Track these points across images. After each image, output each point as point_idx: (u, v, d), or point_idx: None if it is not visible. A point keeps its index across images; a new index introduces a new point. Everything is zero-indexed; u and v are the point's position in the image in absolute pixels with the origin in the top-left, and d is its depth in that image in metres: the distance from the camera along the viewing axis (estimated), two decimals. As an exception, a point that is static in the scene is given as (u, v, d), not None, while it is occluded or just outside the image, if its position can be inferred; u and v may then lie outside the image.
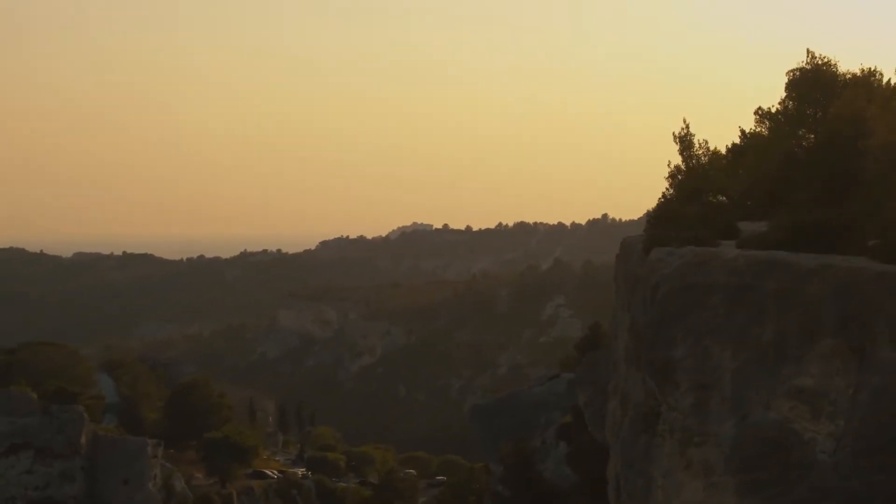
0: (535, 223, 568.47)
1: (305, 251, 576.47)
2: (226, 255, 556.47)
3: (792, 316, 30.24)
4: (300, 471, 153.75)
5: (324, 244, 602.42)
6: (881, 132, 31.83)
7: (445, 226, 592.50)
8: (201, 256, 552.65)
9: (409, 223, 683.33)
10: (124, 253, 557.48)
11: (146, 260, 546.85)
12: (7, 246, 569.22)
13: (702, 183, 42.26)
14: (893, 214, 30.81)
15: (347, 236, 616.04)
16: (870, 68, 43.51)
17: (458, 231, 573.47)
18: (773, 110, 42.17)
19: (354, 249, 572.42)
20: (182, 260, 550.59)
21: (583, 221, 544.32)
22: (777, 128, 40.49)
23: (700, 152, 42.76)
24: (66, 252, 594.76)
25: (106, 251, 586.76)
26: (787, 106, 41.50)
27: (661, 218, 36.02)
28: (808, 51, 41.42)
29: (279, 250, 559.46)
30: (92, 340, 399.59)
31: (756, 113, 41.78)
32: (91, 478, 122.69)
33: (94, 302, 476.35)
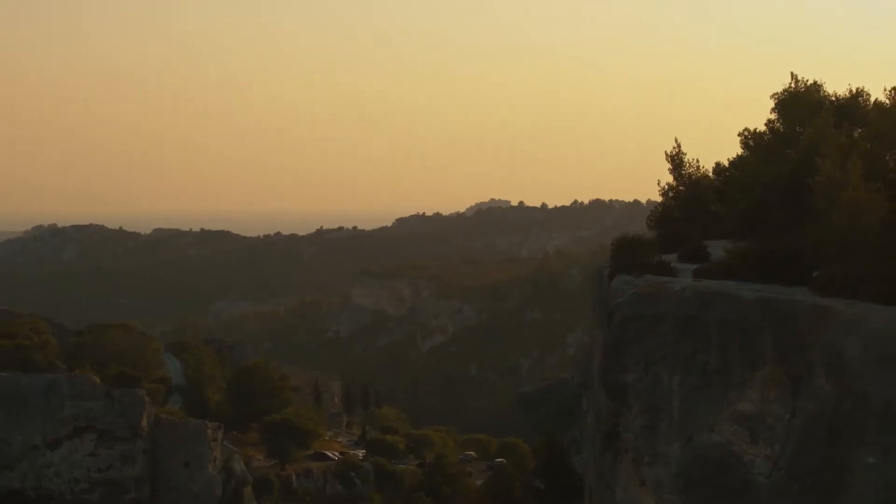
0: (611, 200, 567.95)
1: (381, 228, 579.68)
2: (302, 231, 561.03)
3: (735, 345, 32.08)
4: (360, 452, 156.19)
5: (400, 221, 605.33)
6: (827, 169, 33.33)
7: (521, 203, 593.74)
8: (278, 233, 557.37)
9: (486, 199, 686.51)
10: (202, 230, 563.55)
11: (224, 237, 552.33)
12: (87, 223, 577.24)
13: (692, 201, 43.92)
14: (831, 249, 32.40)
15: (423, 213, 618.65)
16: (857, 88, 45.01)
17: (534, 208, 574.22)
18: (760, 130, 43.78)
19: (430, 226, 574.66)
20: (259, 237, 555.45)
21: (660, 198, 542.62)
22: (759, 151, 42.01)
23: (691, 170, 44.42)
24: (146, 228, 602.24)
25: (185, 227, 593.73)
26: (772, 128, 43.07)
27: (624, 246, 37.81)
28: (792, 74, 42.96)
29: (355, 227, 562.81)
30: (169, 317, 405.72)
31: (740, 135, 43.36)
32: (152, 460, 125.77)
33: (172, 278, 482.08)
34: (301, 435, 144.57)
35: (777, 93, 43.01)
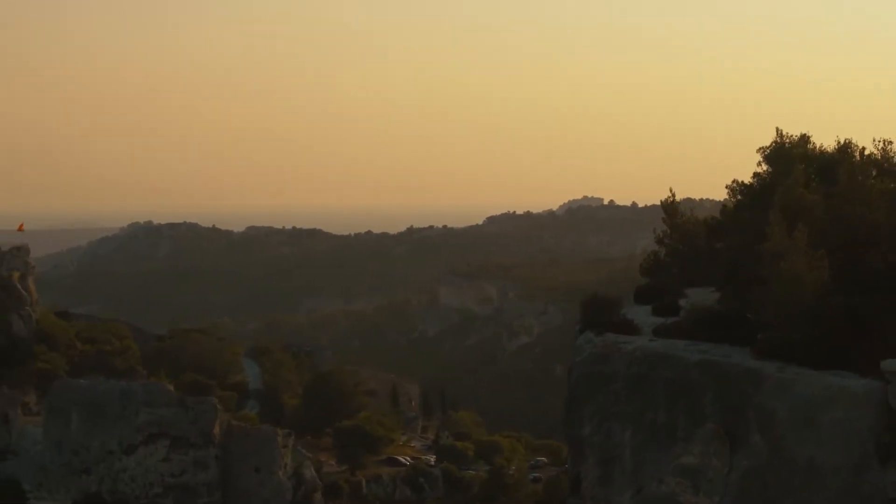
0: (701, 199, 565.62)
1: (471, 227, 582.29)
2: (393, 229, 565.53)
3: (680, 403, 34.65)
4: (432, 457, 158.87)
5: (490, 220, 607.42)
6: (774, 236, 35.60)
7: (611, 201, 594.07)
8: (369, 232, 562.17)
9: (579, 196, 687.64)
10: (294, 228, 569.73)
11: (315, 235, 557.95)
12: (181, 221, 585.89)
13: (686, 249, 46.27)
14: (770, 315, 34.76)
15: (514, 211, 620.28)
16: (846, 140, 47.04)
17: (624, 207, 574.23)
18: (748, 182, 46.01)
19: (520, 225, 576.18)
20: (350, 235, 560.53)
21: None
22: (745, 203, 44.25)
23: (683, 220, 46.76)
24: (239, 226, 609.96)
25: (277, 225, 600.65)
26: (759, 180, 45.29)
27: (591, 304, 40.33)
28: (777, 129, 45.17)
29: (445, 226, 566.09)
30: (260, 315, 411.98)
31: (727, 187, 45.65)
32: (224, 465, 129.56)
33: (263, 276, 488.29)
34: (372, 441, 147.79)
35: (763, 147, 45.19)
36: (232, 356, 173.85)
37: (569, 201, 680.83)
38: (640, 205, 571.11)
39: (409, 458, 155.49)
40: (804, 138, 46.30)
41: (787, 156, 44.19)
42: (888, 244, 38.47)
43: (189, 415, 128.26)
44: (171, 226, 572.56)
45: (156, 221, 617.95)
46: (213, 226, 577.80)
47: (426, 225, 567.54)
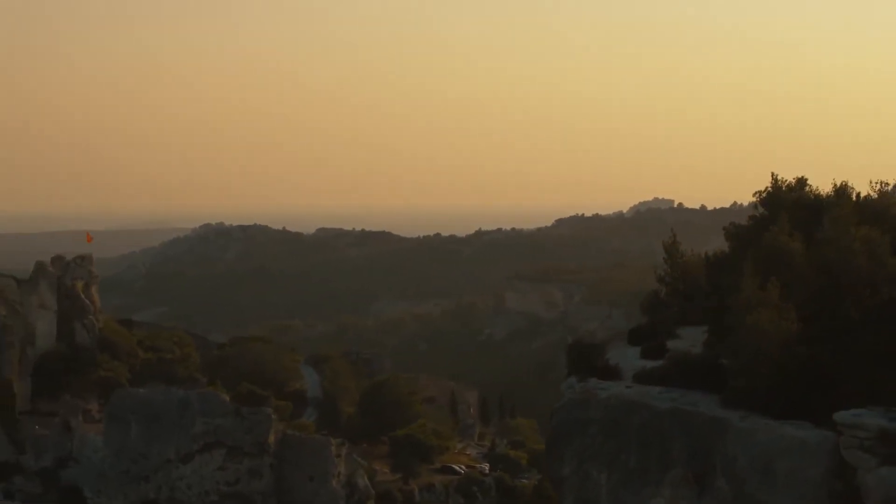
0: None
1: (539, 229, 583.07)
2: (461, 231, 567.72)
3: (651, 448, 36.76)
4: (486, 466, 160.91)
5: (559, 222, 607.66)
6: (748, 288, 37.54)
7: (680, 204, 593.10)
8: (437, 234, 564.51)
9: (650, 198, 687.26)
10: (363, 230, 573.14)
11: (383, 237, 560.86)
12: (252, 223, 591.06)
13: (686, 287, 48.26)
14: (737, 365, 36.73)
15: (583, 214, 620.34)
16: (843, 183, 48.80)
17: (692, 210, 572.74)
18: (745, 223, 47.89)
19: (588, 227, 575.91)
20: (419, 237, 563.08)
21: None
22: (738, 247, 46.15)
23: (683, 260, 48.72)
24: (309, 227, 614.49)
25: (347, 226, 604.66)
26: (755, 223, 47.17)
27: (575, 350, 42.48)
28: (772, 174, 47.05)
29: (513, 228, 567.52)
30: (329, 317, 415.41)
31: (724, 229, 47.54)
32: (278, 474, 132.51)
33: (332, 278, 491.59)
34: (425, 450, 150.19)
35: (760, 191, 47.06)
36: (291, 364, 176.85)
37: (639, 203, 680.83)
38: (710, 207, 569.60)
39: (463, 467, 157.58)
40: (801, 181, 48.07)
41: (781, 201, 45.98)
42: (869, 291, 40.20)
43: (244, 424, 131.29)
44: (242, 228, 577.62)
45: (227, 223, 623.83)
46: (284, 227, 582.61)
47: (495, 227, 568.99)
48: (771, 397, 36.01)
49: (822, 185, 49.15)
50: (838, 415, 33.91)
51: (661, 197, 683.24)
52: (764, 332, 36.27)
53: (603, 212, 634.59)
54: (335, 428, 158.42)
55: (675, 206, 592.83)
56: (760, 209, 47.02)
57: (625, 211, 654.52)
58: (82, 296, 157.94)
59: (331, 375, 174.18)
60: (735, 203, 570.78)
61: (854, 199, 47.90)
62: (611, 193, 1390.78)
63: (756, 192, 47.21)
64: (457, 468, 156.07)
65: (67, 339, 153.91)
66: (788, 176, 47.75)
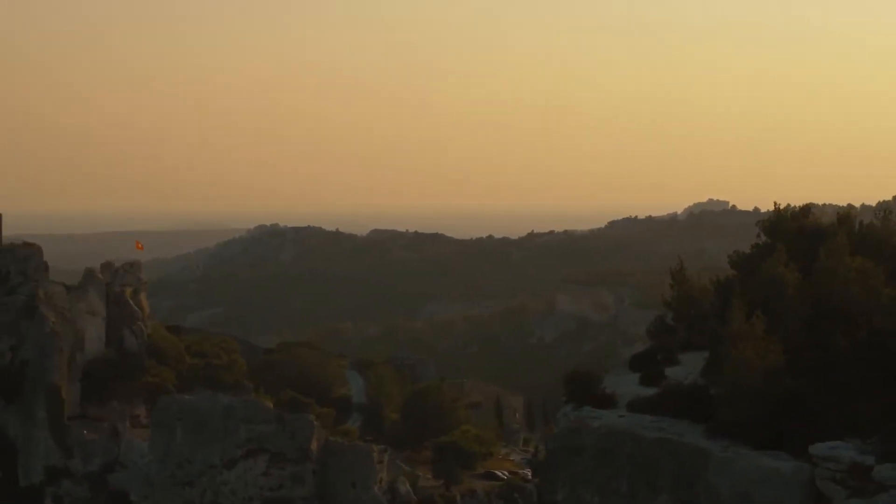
0: (824, 204, 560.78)
1: (592, 231, 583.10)
2: (514, 233, 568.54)
3: (640, 475, 38.32)
4: (529, 472, 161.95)
5: (612, 224, 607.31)
6: (735, 321, 38.95)
7: (733, 206, 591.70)
8: (490, 236, 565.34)
9: (704, 199, 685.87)
10: (416, 232, 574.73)
11: (436, 239, 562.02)
12: (305, 224, 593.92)
13: (692, 311, 49.66)
14: (723, 396, 38.17)
15: (636, 216, 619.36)
16: (846, 212, 50.02)
17: (745, 212, 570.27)
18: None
19: (641, 229, 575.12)
20: (471, 239, 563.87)
21: (872, 202, 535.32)
22: (741, 274, 47.50)
23: (689, 285, 50.13)
24: (363, 228, 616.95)
25: (400, 227, 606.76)
26: (758, 250, 48.50)
27: (573, 379, 44.01)
28: (775, 203, 48.36)
29: (566, 231, 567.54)
30: (381, 320, 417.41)
31: (729, 256, 48.94)
32: (321, 480, 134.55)
33: (385, 280, 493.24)
34: (467, 456, 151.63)
35: (763, 220, 48.35)
36: (337, 370, 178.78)
37: (693, 204, 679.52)
38: (763, 209, 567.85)
39: (506, 473, 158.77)
40: (805, 209, 49.35)
41: (783, 229, 47.30)
42: (861, 321, 41.49)
43: (287, 431, 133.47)
44: (296, 229, 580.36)
45: (282, 224, 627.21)
46: (337, 229, 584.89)
47: (547, 229, 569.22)
48: (754, 428, 37.45)
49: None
50: (814, 447, 35.32)
51: (715, 198, 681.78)
52: (748, 365, 37.68)
53: (657, 213, 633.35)
54: (379, 434, 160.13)
55: (729, 208, 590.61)
56: (764, 237, 48.31)
57: (679, 212, 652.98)
58: (131, 302, 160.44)
59: (375, 381, 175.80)
60: (788, 206, 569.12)
61: (857, 226, 49.05)
62: (666, 194, 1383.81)
63: (759, 221, 48.50)
64: (499, 474, 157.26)
65: (116, 345, 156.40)
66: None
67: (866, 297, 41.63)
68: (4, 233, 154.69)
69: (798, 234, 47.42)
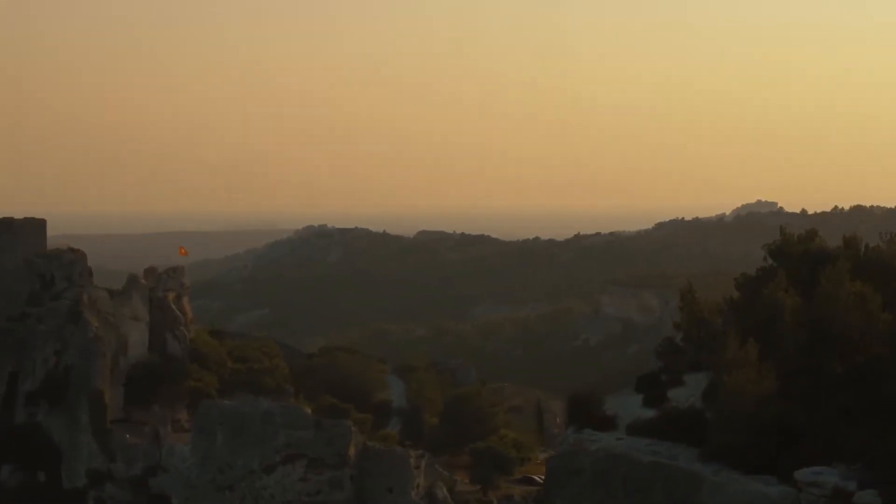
0: (872, 206, 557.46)
1: (639, 233, 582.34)
2: (561, 234, 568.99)
3: (635, 496, 39.68)
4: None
5: (659, 226, 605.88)
6: (731, 347, 40.18)
7: (780, 208, 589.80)
8: (536, 238, 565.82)
9: (753, 200, 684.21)
10: (462, 234, 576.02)
11: (483, 241, 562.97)
12: (353, 226, 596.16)
13: (701, 332, 50.88)
14: (716, 421, 39.43)
15: (683, 217, 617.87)
16: (853, 235, 51.08)
17: (792, 213, 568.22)
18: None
19: (688, 231, 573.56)
20: (518, 241, 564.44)
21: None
22: (746, 297, 48.69)
23: (698, 306, 51.34)
24: (410, 229, 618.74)
25: (448, 228, 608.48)
26: (763, 274, 49.66)
27: (575, 402, 45.39)
28: (781, 228, 49.51)
29: (612, 232, 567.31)
30: (427, 321, 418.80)
31: (736, 279, 50.12)
32: (358, 485, 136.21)
33: (432, 282, 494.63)
34: (505, 461, 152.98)
35: (769, 244, 49.54)
36: (378, 374, 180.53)
37: (741, 206, 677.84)
38: (810, 212, 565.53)
39: (543, 478, 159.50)
40: (811, 233, 50.44)
41: (788, 253, 48.45)
42: (857, 346, 42.63)
43: (325, 437, 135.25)
44: (343, 231, 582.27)
45: (330, 225, 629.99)
46: (384, 231, 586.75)
47: (594, 231, 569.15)
48: (745, 453, 38.68)
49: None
50: (799, 472, 36.52)
51: (763, 199, 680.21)
52: (740, 392, 38.91)
53: (705, 214, 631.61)
54: (419, 438, 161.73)
55: (776, 210, 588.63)
56: (770, 261, 49.43)
57: (727, 213, 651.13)
58: (174, 307, 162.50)
59: (416, 386, 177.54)
60: (836, 207, 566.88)
61: (864, 249, 50.05)
62: (715, 194, 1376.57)
63: (764, 245, 49.63)
64: (537, 479, 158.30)
65: (159, 350, 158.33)
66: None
67: (865, 322, 42.66)
68: (57, 233, 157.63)
69: (803, 257, 48.49)
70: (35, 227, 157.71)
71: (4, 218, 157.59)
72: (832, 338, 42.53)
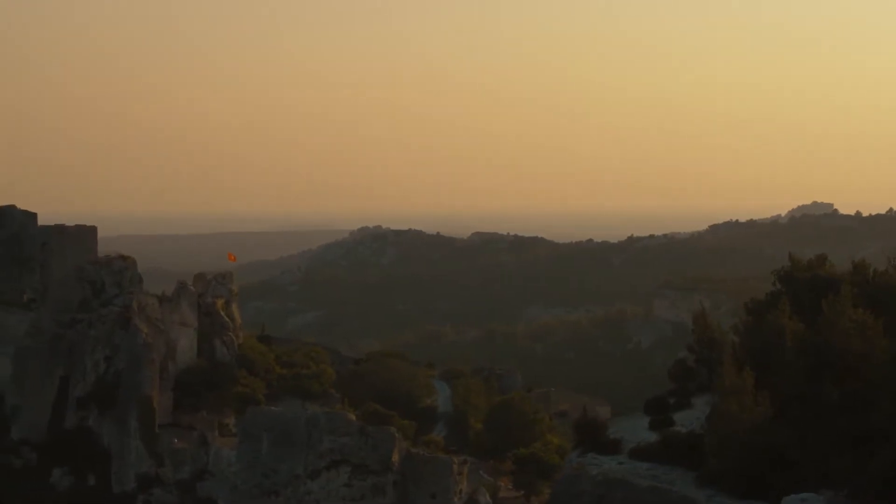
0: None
1: (693, 235, 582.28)
2: (614, 236, 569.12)
3: (634, 520, 41.15)
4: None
5: (713, 228, 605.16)
6: (729, 374, 41.55)
7: (835, 210, 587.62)
8: (590, 240, 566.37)
9: (808, 202, 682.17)
10: (516, 236, 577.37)
11: (536, 243, 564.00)
12: (407, 227, 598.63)
13: (714, 354, 52.25)
14: (712, 447, 40.83)
15: (737, 220, 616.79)
16: (861, 261, 52.29)
17: (847, 216, 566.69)
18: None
19: (742, 234, 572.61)
20: (571, 243, 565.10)
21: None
22: (755, 321, 50.04)
23: (709, 330, 52.72)
24: (463, 231, 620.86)
25: (501, 230, 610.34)
26: (771, 298, 50.98)
27: (581, 426, 46.89)
28: (790, 254, 50.84)
29: (665, 234, 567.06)
30: (480, 323, 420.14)
31: (745, 305, 51.48)
32: (402, 491, 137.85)
33: (485, 284, 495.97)
34: (547, 468, 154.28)
35: (777, 269, 50.84)
36: (425, 379, 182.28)
37: (796, 207, 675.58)
38: (865, 213, 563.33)
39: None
40: (821, 258, 51.70)
41: (796, 279, 49.76)
42: (861, 371, 43.86)
43: (369, 443, 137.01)
44: (397, 233, 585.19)
45: (385, 225, 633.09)
46: (438, 233, 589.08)
47: (648, 233, 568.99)
48: (737, 478, 40.02)
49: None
50: (787, 498, 37.78)
51: (819, 201, 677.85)
52: (735, 418, 40.26)
53: (760, 216, 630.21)
54: (464, 444, 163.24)
55: (830, 211, 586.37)
56: (778, 286, 50.70)
57: (782, 214, 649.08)
58: (222, 313, 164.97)
59: (461, 392, 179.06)
60: (892, 209, 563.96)
61: (872, 274, 51.22)
62: (772, 196, 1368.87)
63: (774, 271, 50.91)
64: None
65: (207, 355, 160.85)
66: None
67: (865, 349, 43.88)
68: (119, 232, 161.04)
69: (810, 283, 49.73)
70: (86, 234, 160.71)
71: (56, 225, 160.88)
72: (832, 365, 43.71)
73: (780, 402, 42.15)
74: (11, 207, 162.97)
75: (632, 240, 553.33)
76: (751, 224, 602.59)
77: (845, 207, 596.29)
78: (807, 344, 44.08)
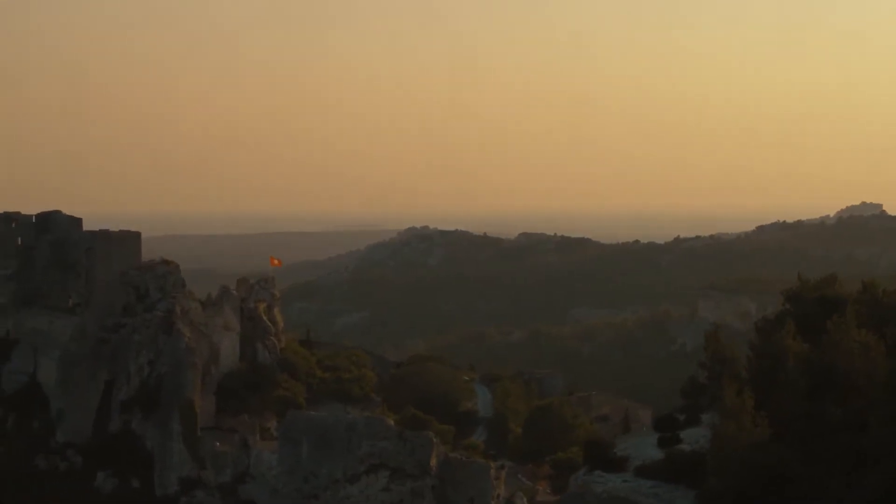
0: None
1: (739, 236, 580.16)
2: (661, 237, 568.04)
3: (637, 537, 42.48)
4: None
5: (760, 229, 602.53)
6: (729, 396, 42.78)
7: (883, 211, 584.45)
8: (636, 241, 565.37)
9: (857, 202, 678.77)
10: (562, 236, 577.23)
11: (583, 244, 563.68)
12: (453, 228, 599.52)
13: (726, 371, 53.44)
14: (711, 465, 42.10)
15: (784, 220, 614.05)
16: (871, 280, 53.37)
17: (894, 217, 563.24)
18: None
19: (790, 234, 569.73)
20: (617, 244, 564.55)
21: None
22: (764, 340, 51.26)
23: (720, 348, 53.93)
24: (510, 231, 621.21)
25: (548, 230, 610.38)
26: (780, 317, 52.16)
27: (589, 446, 48.26)
28: (798, 275, 52.00)
29: (712, 235, 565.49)
30: (525, 324, 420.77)
31: (756, 323, 52.70)
32: (440, 495, 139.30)
33: (531, 285, 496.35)
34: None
35: (787, 289, 52.03)
36: (465, 384, 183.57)
37: (845, 208, 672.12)
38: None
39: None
40: (831, 278, 52.84)
41: (804, 299, 50.93)
42: (864, 391, 45.01)
43: (407, 447, 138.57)
44: (443, 233, 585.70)
45: (432, 226, 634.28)
46: (485, 233, 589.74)
47: (694, 234, 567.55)
48: (736, 496, 41.20)
49: None
50: (781, 515, 39.08)
51: (868, 201, 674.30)
52: (734, 438, 41.50)
53: (808, 216, 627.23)
54: (503, 448, 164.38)
55: (879, 212, 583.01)
56: (786, 305, 51.87)
57: (830, 215, 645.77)
58: (264, 317, 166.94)
59: (501, 396, 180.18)
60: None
61: (881, 294, 52.27)
62: (820, 196, 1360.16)
63: (783, 290, 52.07)
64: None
65: (249, 359, 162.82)
66: None
67: (868, 369, 44.99)
68: (162, 232, 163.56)
69: (818, 303, 50.83)
70: (130, 239, 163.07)
71: (101, 230, 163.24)
72: (835, 384, 44.82)
73: (783, 421, 43.25)
74: (56, 213, 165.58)
75: (678, 241, 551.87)
76: (798, 225, 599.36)
77: (894, 208, 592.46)
78: (809, 364, 45.18)
